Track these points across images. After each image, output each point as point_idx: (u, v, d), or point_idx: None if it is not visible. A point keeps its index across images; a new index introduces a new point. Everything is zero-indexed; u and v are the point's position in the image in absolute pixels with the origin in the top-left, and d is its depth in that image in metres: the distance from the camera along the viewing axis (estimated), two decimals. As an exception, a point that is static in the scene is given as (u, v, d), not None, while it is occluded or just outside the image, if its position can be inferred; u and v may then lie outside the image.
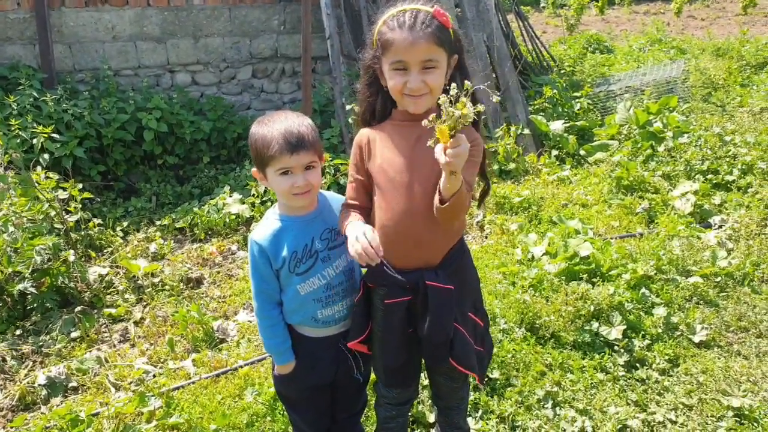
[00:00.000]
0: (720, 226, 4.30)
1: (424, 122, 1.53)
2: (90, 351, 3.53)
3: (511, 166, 5.75)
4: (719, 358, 3.06)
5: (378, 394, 2.24)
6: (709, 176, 5.05)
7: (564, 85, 7.45)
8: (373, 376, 2.30)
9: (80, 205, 4.58)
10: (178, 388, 3.09)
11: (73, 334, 3.65)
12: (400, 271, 1.91)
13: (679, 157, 5.31)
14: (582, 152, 6.03)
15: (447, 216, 1.73)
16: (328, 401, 2.23)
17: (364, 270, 2.03)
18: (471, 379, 2.30)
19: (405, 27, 1.74)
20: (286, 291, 1.99)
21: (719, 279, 3.65)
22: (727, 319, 3.34)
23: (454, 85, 1.50)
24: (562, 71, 8.20)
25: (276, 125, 1.84)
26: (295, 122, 1.84)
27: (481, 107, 1.54)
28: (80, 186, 4.64)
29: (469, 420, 2.62)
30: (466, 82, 1.53)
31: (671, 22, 13.83)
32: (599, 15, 15.46)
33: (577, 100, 6.99)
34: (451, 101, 1.47)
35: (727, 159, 5.20)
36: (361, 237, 1.71)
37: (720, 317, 3.36)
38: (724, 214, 4.50)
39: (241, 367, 3.22)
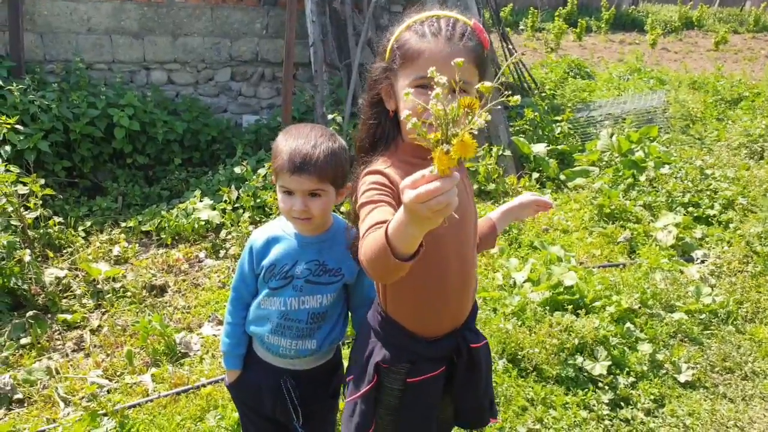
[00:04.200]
0: (702, 261, 4.25)
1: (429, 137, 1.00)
2: (40, 360, 3.28)
3: (491, 186, 5.64)
4: (705, 400, 2.96)
5: None
6: (690, 209, 5.01)
7: (545, 108, 7.42)
8: None
9: (41, 202, 4.31)
10: (134, 406, 2.87)
11: (23, 341, 3.39)
12: (431, 341, 1.58)
13: (660, 188, 5.27)
14: (562, 177, 5.97)
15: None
16: None
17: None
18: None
19: (441, 36, 1.38)
20: (256, 298, 1.86)
21: (703, 316, 3.57)
22: (713, 359, 3.26)
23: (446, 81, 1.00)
24: (543, 94, 8.19)
25: (291, 140, 1.67)
26: (311, 142, 1.64)
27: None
28: (42, 181, 4.37)
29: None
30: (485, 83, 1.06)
31: (646, 52, 14.02)
32: (577, 41, 15.64)
33: (557, 124, 6.95)
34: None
35: (708, 193, 5.18)
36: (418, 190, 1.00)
37: (705, 357, 3.27)
38: (705, 248, 4.45)
39: (204, 386, 3.01)
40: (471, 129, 0.98)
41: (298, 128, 1.72)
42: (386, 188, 1.39)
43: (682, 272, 4.04)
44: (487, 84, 1.04)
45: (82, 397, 2.91)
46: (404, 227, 1.07)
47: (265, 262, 1.79)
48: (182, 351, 3.38)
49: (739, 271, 4.08)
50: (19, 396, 2.97)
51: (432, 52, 1.36)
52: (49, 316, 3.66)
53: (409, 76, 1.40)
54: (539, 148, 6.15)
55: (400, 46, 1.43)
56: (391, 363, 1.57)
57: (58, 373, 3.16)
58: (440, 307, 1.57)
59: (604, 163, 5.99)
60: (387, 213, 1.30)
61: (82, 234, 4.69)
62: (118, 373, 3.18)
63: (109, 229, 4.84)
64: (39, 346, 3.37)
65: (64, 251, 4.38)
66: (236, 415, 2.64)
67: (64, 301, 3.80)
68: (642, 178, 5.48)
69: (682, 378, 3.08)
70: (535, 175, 5.94)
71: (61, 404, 2.90)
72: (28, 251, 3.78)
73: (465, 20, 1.43)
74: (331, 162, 1.64)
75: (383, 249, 1.13)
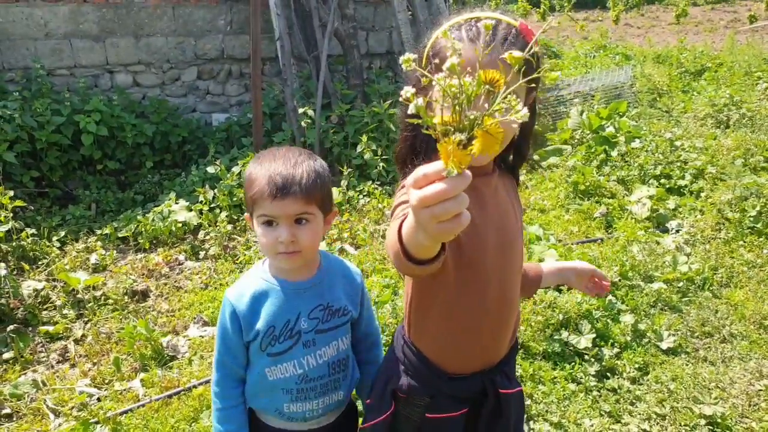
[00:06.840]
0: (677, 231, 4.33)
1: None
2: (25, 373, 3.23)
3: (466, 170, 5.67)
4: (687, 365, 3.04)
5: None
6: (662, 181, 5.10)
7: (514, 89, 7.46)
8: None
9: (11, 214, 4.24)
10: (126, 412, 2.86)
11: (6, 355, 3.34)
12: (454, 377, 1.42)
13: (632, 162, 5.35)
14: (536, 157, 5.99)
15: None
16: None
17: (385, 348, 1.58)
18: None
19: (480, 41, 1.20)
20: (252, 369, 1.57)
21: (681, 284, 3.65)
22: (692, 324, 3.34)
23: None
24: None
25: (266, 163, 1.44)
26: (291, 161, 1.43)
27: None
28: (11, 193, 4.30)
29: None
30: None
31: (610, 29, 14.20)
32: (541, 21, 15.74)
33: (528, 105, 6.99)
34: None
35: (679, 164, 5.28)
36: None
37: (685, 323, 3.35)
38: (679, 218, 4.54)
39: (195, 386, 3.00)
40: (499, 114, 0.72)
41: (271, 151, 1.50)
42: None
43: (658, 243, 4.12)
44: (517, 54, 0.77)
45: (72, 407, 2.89)
46: (414, 232, 0.89)
47: (260, 325, 1.50)
48: (170, 354, 3.36)
49: (712, 239, 4.18)
50: (7, 411, 2.93)
51: (469, 60, 1.13)
52: (30, 329, 3.60)
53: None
54: (511, 130, 6.19)
55: (436, 53, 1.26)
56: (409, 393, 1.43)
57: (44, 385, 3.12)
58: (470, 342, 1.41)
59: (576, 140, 6.06)
60: None
61: (57, 244, 4.62)
62: (106, 381, 3.15)
63: (85, 238, 4.78)
64: (23, 359, 3.32)
65: (40, 263, 4.31)
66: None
67: (44, 312, 3.74)
68: (614, 154, 5.56)
69: (664, 345, 3.15)
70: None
71: (51, 416, 2.87)
72: (2, 265, 3.72)
73: (509, 21, 1.25)
74: (317, 181, 1.43)
75: (396, 250, 0.97)
